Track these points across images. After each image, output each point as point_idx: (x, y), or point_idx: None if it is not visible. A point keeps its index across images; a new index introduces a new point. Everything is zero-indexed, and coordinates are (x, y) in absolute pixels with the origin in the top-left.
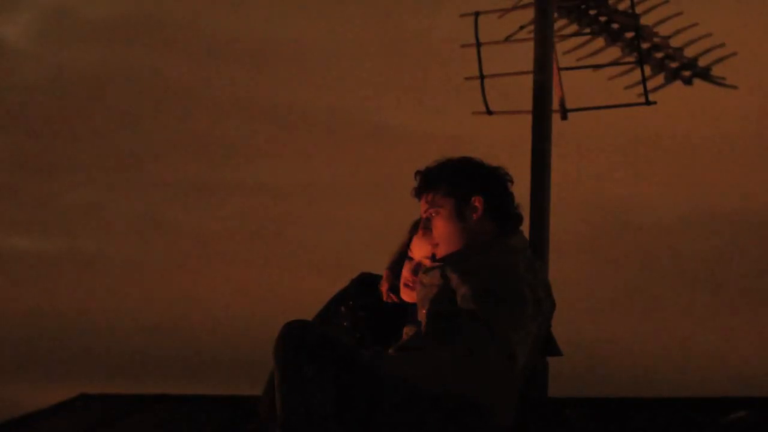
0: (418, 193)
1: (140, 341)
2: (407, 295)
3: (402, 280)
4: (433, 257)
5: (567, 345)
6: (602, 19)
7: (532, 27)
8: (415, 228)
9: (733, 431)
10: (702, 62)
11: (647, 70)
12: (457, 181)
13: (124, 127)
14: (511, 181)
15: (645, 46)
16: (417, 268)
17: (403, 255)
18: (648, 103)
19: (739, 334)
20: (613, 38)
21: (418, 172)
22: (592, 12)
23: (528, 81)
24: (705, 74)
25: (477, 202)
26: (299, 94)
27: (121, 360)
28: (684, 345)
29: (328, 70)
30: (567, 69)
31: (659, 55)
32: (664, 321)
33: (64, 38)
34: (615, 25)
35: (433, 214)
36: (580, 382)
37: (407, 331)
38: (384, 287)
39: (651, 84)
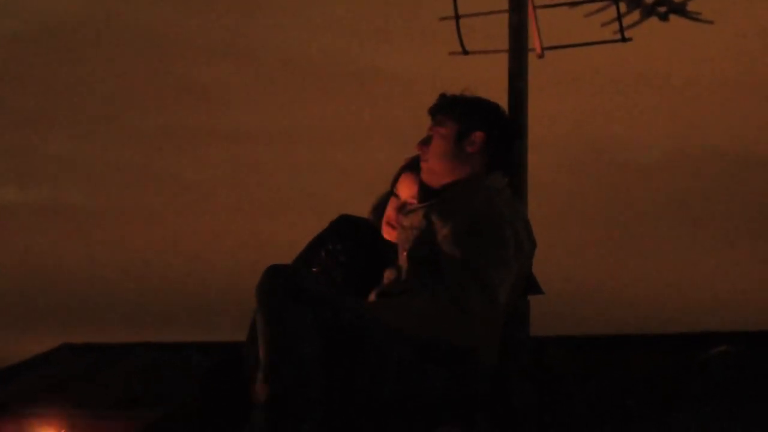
0: (432, 110)
1: (121, 290)
2: (388, 234)
3: (384, 218)
4: (418, 196)
5: (548, 283)
6: None
7: None
8: (405, 167)
9: (714, 366)
10: None
11: (623, 6)
12: (469, 112)
13: (103, 75)
14: (518, 139)
15: None
16: (402, 207)
17: (389, 194)
18: (624, 40)
19: (720, 270)
20: None
21: (442, 94)
22: None
23: (504, 20)
24: (681, 10)
25: (477, 137)
26: (276, 39)
27: (103, 309)
28: (665, 282)
29: (303, 14)
30: (543, 7)
31: None
32: (645, 258)
33: None
34: None
35: (435, 132)
36: (562, 321)
37: (388, 276)
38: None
39: (627, 21)
